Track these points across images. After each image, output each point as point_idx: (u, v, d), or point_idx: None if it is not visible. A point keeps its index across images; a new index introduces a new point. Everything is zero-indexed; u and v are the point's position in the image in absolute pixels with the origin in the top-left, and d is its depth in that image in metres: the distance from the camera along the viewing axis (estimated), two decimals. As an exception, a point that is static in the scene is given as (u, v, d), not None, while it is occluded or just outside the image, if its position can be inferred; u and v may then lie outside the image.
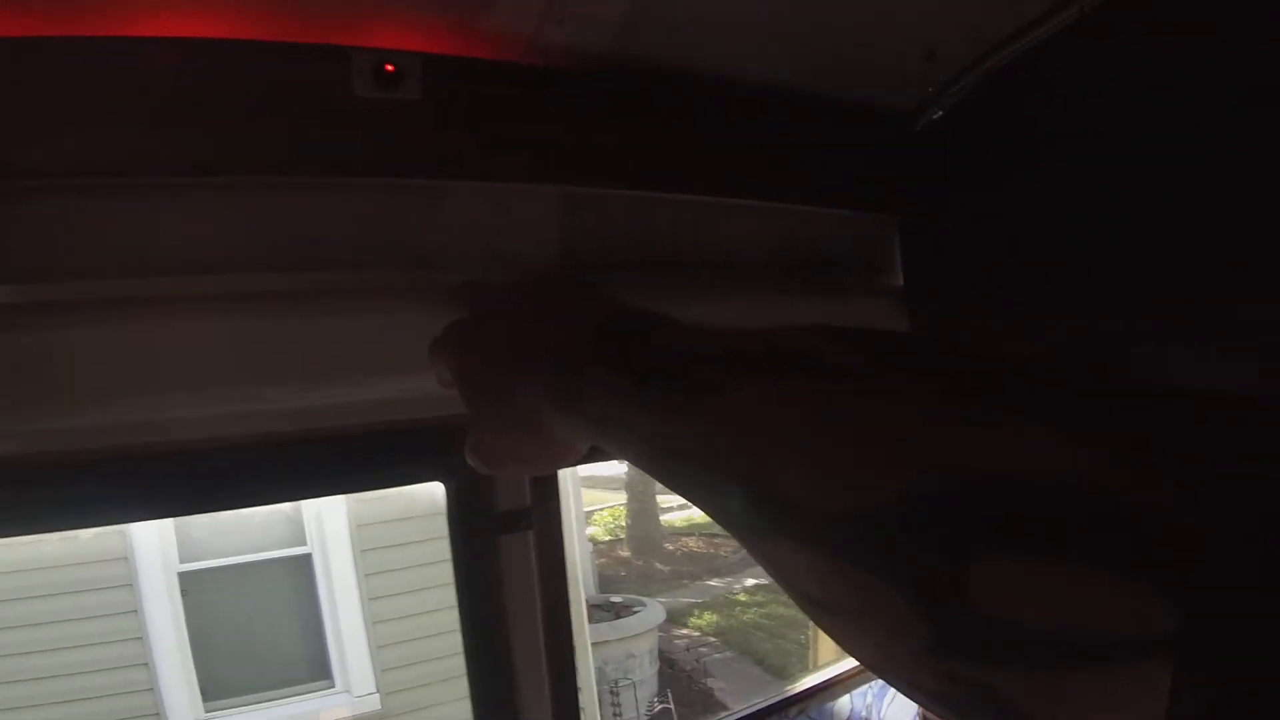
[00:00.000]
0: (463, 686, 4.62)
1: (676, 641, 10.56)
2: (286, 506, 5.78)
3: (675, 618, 10.55)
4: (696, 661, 10.39)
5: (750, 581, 12.12)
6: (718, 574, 12.25)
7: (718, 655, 10.59)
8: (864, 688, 2.85)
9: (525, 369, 0.66)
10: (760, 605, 11.72)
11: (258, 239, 1.14)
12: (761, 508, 0.42)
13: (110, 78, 0.94)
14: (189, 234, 1.08)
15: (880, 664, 0.39)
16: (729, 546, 12.84)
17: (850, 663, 2.31)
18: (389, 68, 1.06)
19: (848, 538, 0.37)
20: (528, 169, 1.15)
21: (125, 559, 5.47)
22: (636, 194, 1.19)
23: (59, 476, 1.21)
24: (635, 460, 0.53)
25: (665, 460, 0.51)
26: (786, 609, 11.30)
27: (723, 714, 8.49)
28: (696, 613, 11.24)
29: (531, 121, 1.16)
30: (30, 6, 0.88)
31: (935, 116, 1.31)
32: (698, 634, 10.88)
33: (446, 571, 4.59)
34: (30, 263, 1.02)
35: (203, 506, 1.51)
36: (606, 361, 0.57)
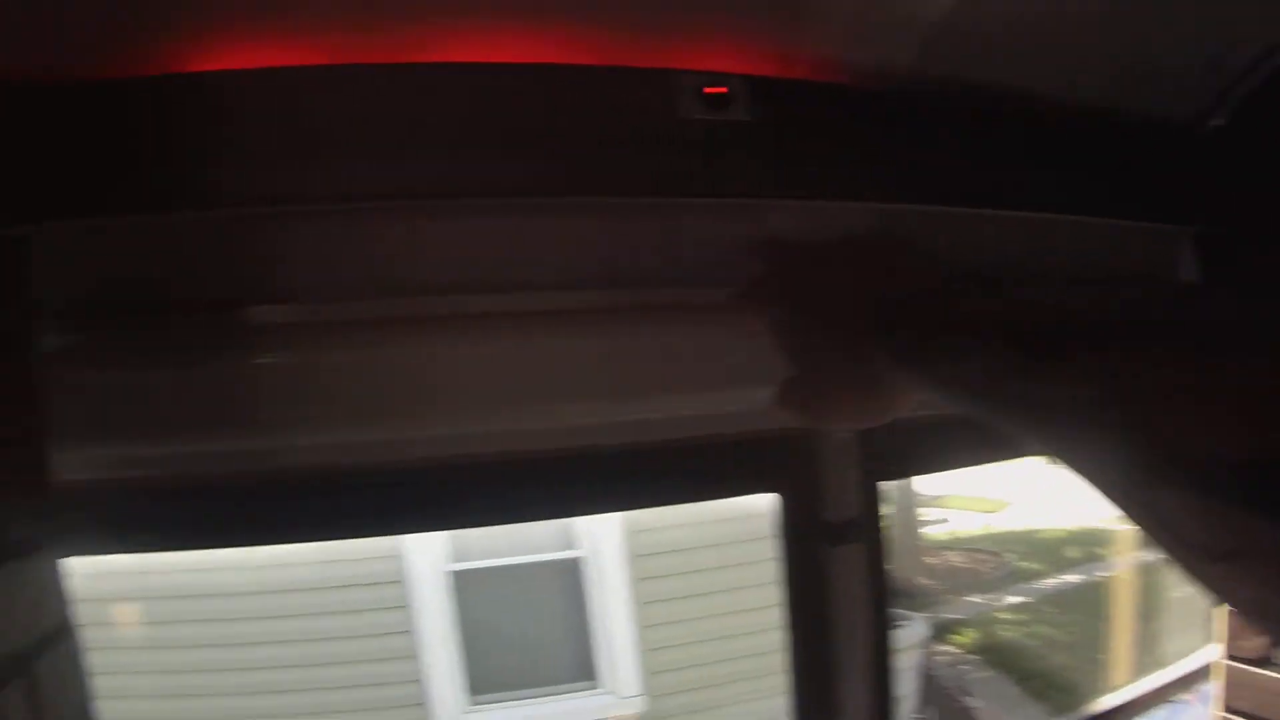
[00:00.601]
0: (729, 693, 4.70)
1: (937, 658, 10.23)
2: None
3: (936, 633, 10.22)
4: (957, 679, 10.03)
5: (1012, 599, 11.58)
6: (979, 590, 11.73)
7: (978, 674, 10.17)
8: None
9: (864, 325, 0.67)
10: (1021, 624, 11.17)
11: (584, 258, 1.22)
12: (1151, 458, 0.43)
13: (432, 102, 1.00)
14: (513, 253, 1.18)
15: (1261, 607, 0.40)
16: (991, 563, 12.31)
17: (1139, 686, 2.19)
18: (716, 90, 1.10)
19: (1240, 483, 0.38)
20: (849, 187, 1.18)
21: (397, 557, 5.82)
22: (949, 210, 1.21)
23: (375, 483, 1.33)
24: (994, 417, 0.55)
25: (1034, 416, 0.52)
26: (1051, 628, 10.74)
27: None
28: (957, 630, 10.83)
29: (850, 140, 1.19)
30: (333, 35, 0.95)
31: (1219, 123, 1.29)
32: (959, 651, 10.48)
33: (719, 578, 4.69)
34: (366, 278, 1.13)
35: (532, 515, 1.60)
36: (959, 323, 0.59)
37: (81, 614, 1.06)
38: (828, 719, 1.63)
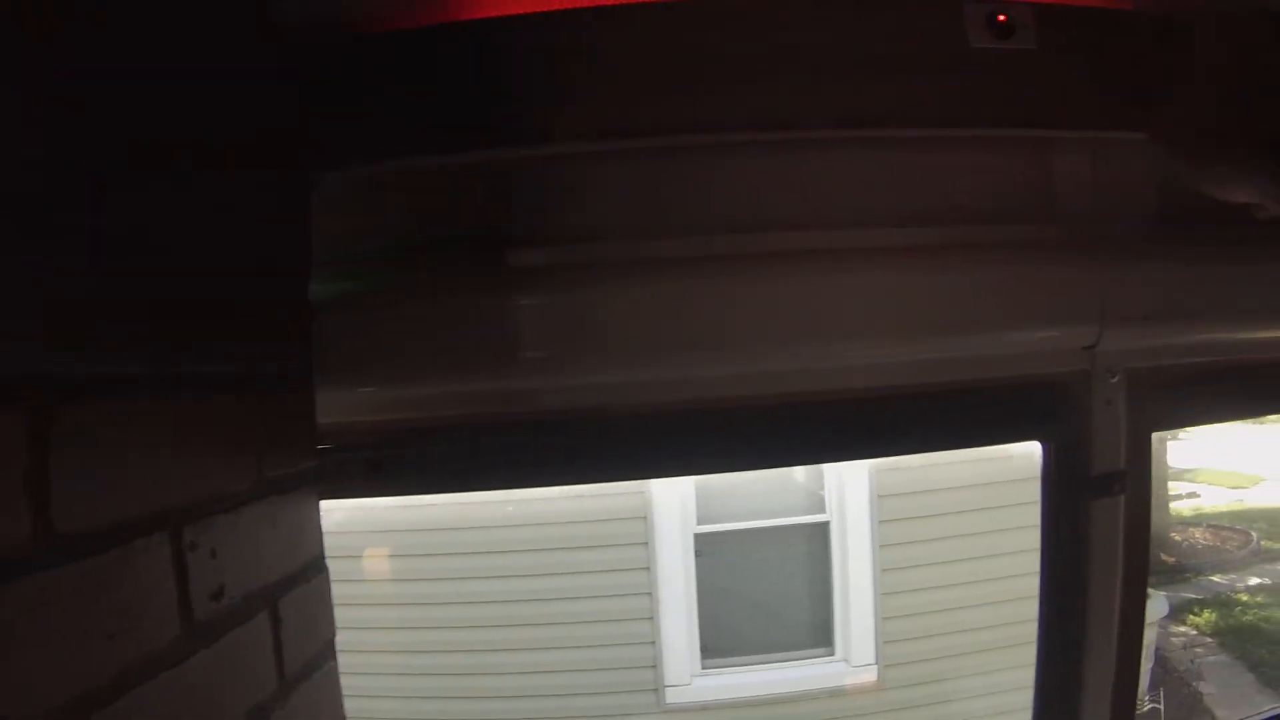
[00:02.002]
0: (961, 665, 4.55)
1: (1173, 639, 9.69)
2: (807, 475, 5.93)
3: (1174, 612, 9.67)
4: (1190, 662, 9.47)
5: (1255, 580, 10.85)
6: (1221, 569, 11.02)
7: (1212, 658, 9.57)
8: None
9: None
10: (1261, 607, 10.45)
11: (886, 193, 1.19)
12: None
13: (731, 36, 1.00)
14: (808, 191, 1.15)
15: None
16: (1237, 540, 11.55)
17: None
18: (1001, 18, 1.05)
19: None
20: (1136, 118, 1.12)
21: (644, 518, 5.70)
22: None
23: (638, 426, 1.34)
24: None
25: None
26: (1292, 614, 10.05)
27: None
28: (1195, 609, 10.22)
29: (1136, 70, 1.12)
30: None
31: None
32: (1195, 632, 9.89)
33: (963, 546, 4.53)
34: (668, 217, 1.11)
35: (789, 460, 1.63)
36: None
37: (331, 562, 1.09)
38: (1071, 678, 1.59)
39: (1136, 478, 1.53)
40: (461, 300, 1.16)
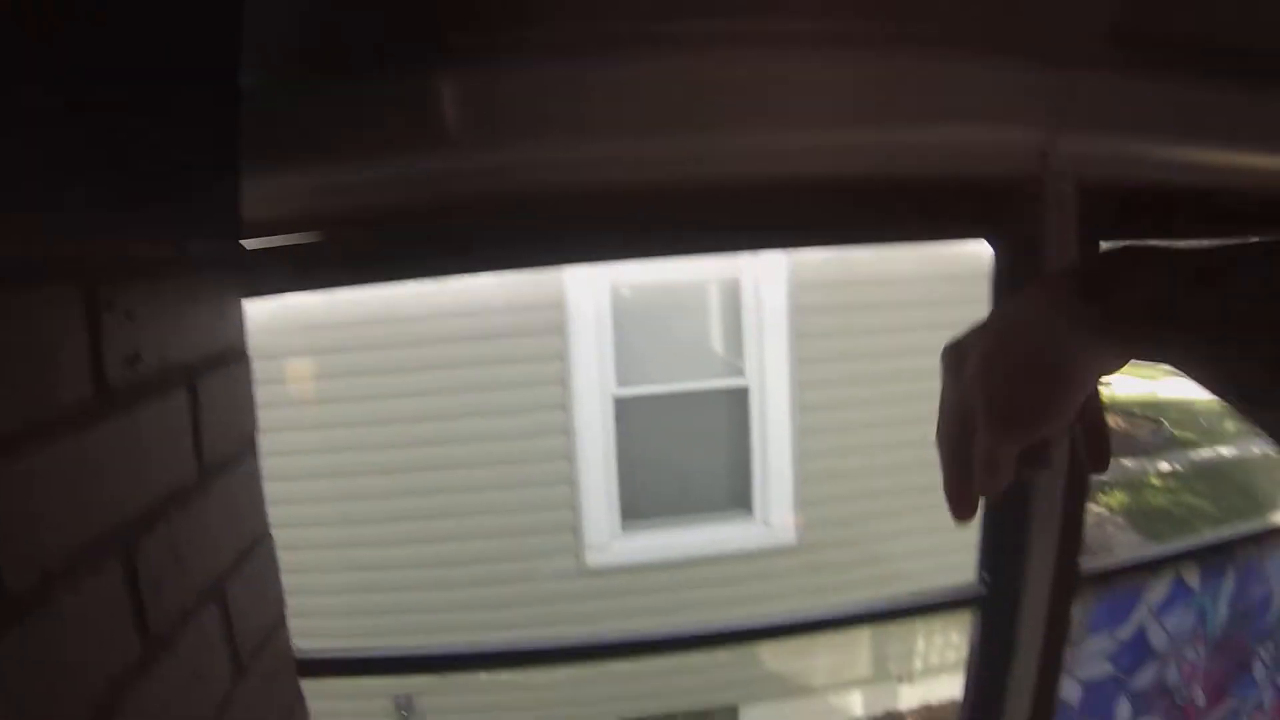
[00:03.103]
0: (880, 527, 4.64)
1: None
2: (723, 338, 5.97)
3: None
4: (1102, 539, 9.87)
5: (1165, 466, 11.27)
6: (1131, 453, 11.40)
7: (1122, 535, 9.99)
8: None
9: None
10: (1172, 492, 10.90)
11: None
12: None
13: None
14: None
15: None
16: (1147, 428, 11.95)
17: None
18: None
19: None
20: None
21: (563, 383, 5.71)
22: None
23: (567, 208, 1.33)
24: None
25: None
26: (1199, 499, 10.44)
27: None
28: (1105, 489, 10.60)
29: None
30: None
31: None
32: (1106, 511, 10.29)
33: (884, 414, 4.57)
34: None
35: (715, 247, 1.59)
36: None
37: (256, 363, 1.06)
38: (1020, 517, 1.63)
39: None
40: (389, 78, 1.13)
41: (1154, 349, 0.56)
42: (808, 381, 5.72)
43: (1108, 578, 1.88)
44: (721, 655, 5.51)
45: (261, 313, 1.14)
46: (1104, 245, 1.51)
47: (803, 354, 5.68)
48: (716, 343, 6.02)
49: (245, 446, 1.04)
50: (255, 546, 1.06)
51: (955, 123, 1.32)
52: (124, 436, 0.78)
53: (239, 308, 1.05)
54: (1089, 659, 1.91)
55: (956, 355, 0.64)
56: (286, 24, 1.07)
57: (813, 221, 1.46)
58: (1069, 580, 1.66)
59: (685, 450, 6.00)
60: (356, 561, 5.45)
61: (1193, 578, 1.99)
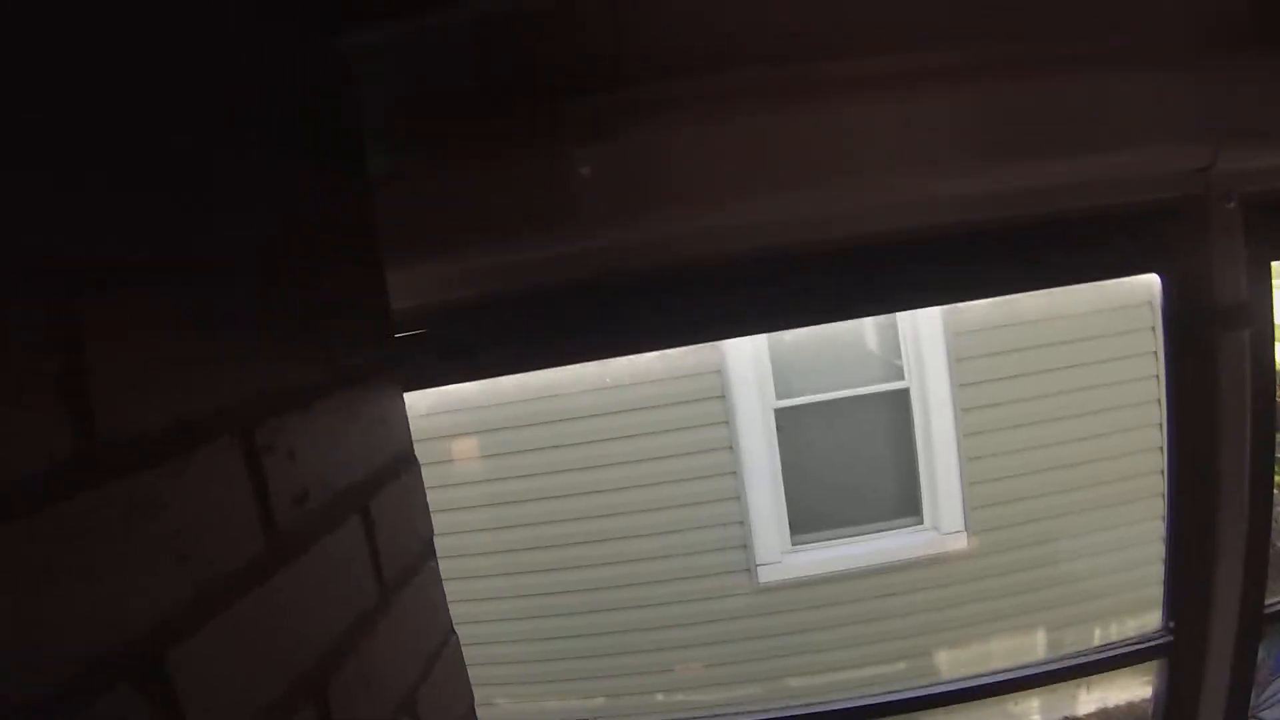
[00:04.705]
0: (1051, 528, 4.50)
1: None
2: (880, 342, 5.83)
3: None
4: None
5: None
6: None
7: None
8: None
9: None
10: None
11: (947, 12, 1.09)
12: None
13: None
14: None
15: None
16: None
17: None
18: None
19: None
20: None
21: (722, 397, 5.63)
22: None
23: (714, 281, 1.26)
24: None
25: None
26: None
27: None
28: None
29: None
30: None
31: None
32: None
33: (1046, 407, 4.42)
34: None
35: (872, 308, 1.50)
36: None
37: (419, 449, 1.03)
38: (1205, 521, 1.54)
39: (1260, 310, 1.45)
40: (520, 155, 1.10)
41: None
42: (967, 381, 5.54)
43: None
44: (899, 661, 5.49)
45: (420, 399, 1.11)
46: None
47: (959, 353, 5.51)
48: (872, 343, 5.87)
49: (423, 551, 1.01)
50: (442, 649, 1.03)
51: (1108, 150, 1.22)
52: (301, 580, 0.73)
53: (401, 408, 1.00)
54: (1276, 700, 1.86)
55: None
56: (395, 102, 1.05)
57: (970, 273, 1.37)
58: (1256, 623, 1.57)
59: (849, 459, 5.85)
60: (532, 609, 5.56)
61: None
